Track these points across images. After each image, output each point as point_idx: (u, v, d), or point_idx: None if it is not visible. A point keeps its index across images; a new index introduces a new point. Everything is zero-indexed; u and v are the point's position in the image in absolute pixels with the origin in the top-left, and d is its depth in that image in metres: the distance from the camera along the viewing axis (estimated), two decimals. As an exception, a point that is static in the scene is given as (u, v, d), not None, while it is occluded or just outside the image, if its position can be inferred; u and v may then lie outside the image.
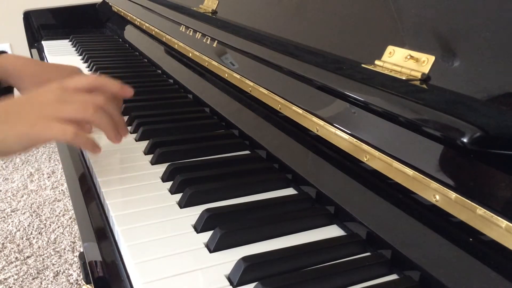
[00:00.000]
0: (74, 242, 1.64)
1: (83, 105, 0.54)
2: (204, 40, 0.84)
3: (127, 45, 1.32)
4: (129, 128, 0.75)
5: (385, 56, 0.50)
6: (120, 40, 1.39)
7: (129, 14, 1.30)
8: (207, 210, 0.50)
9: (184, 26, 0.94)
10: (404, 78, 0.46)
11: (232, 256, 0.45)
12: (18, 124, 0.52)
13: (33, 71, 0.68)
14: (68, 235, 1.68)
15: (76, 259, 1.55)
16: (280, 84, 0.63)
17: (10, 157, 0.69)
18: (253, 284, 0.41)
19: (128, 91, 0.63)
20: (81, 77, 0.68)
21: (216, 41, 0.81)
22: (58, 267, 1.51)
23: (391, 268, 0.44)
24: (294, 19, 0.68)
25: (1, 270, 1.50)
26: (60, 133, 0.52)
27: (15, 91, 0.74)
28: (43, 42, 1.39)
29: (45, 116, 0.52)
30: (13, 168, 2.14)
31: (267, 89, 0.64)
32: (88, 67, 1.12)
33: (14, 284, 1.44)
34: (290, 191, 0.57)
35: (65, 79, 0.58)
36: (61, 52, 1.28)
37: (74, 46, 1.33)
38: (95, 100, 0.55)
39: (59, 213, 1.81)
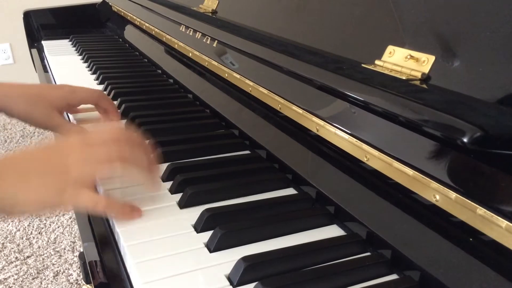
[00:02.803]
0: (74, 242, 1.64)
1: (107, 150, 0.50)
2: (204, 40, 0.84)
3: (127, 45, 1.32)
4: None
5: (385, 56, 0.50)
6: (120, 40, 1.39)
7: (129, 14, 1.30)
8: (207, 210, 0.50)
9: (184, 26, 0.94)
10: (404, 78, 0.46)
11: (232, 256, 0.45)
12: (41, 189, 0.47)
13: (27, 94, 0.67)
14: (68, 235, 1.68)
15: (76, 259, 1.55)
16: (280, 84, 0.63)
17: (18, 217, 0.64)
18: (253, 284, 0.41)
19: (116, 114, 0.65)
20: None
21: (216, 41, 0.81)
22: (58, 267, 1.51)
23: (391, 268, 0.44)
24: (294, 19, 0.68)
25: (1, 270, 1.50)
26: (91, 204, 0.49)
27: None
28: (43, 42, 1.39)
29: (74, 182, 0.48)
30: (13, 168, 2.14)
31: (267, 89, 0.64)
32: (88, 67, 1.12)
33: (14, 284, 1.44)
34: (290, 191, 0.57)
35: (86, 134, 0.55)
36: (61, 52, 1.28)
37: (74, 46, 1.33)
38: (117, 135, 0.52)
39: (59, 213, 1.81)
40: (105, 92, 0.74)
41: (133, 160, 0.52)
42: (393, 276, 0.43)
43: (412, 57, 0.47)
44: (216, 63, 0.79)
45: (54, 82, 1.07)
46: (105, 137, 0.52)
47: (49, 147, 0.53)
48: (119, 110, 0.80)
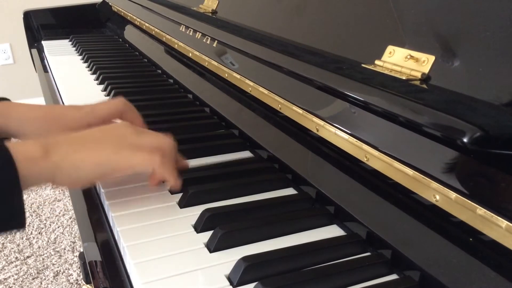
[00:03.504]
0: (74, 242, 1.64)
1: (149, 156, 0.52)
2: (204, 40, 0.84)
3: (127, 45, 1.32)
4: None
5: (385, 56, 0.50)
6: (120, 40, 1.39)
7: (129, 14, 1.30)
8: (207, 210, 0.50)
9: (184, 26, 0.94)
10: (404, 78, 0.46)
11: (232, 256, 0.45)
12: (98, 151, 0.49)
13: (38, 114, 0.62)
14: (68, 235, 1.68)
15: (76, 259, 1.56)
16: (280, 84, 0.63)
17: (80, 187, 0.61)
18: (253, 284, 0.41)
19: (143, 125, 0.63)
20: (101, 104, 0.64)
21: (216, 41, 0.81)
22: (58, 267, 1.51)
23: (391, 268, 0.44)
24: (294, 19, 0.68)
25: (1, 270, 1.50)
26: (147, 161, 0.51)
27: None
28: (43, 42, 1.39)
29: (129, 145, 0.51)
30: (13, 168, 2.14)
31: (267, 89, 0.64)
32: (88, 67, 1.12)
33: (14, 284, 1.44)
34: (290, 191, 0.57)
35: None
36: (61, 52, 1.28)
37: (74, 46, 1.33)
38: (166, 143, 0.54)
39: (59, 213, 1.81)
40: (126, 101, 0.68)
41: (169, 163, 0.53)
42: (393, 276, 0.43)
43: (412, 57, 0.47)
44: (216, 63, 0.79)
45: (54, 82, 1.07)
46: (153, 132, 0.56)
47: (99, 127, 0.54)
48: None
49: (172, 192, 0.57)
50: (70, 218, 1.77)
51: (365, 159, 0.47)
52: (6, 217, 0.44)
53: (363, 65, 0.51)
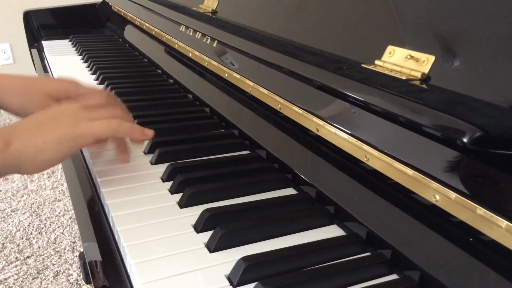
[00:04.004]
0: (74, 242, 1.64)
1: (107, 121, 0.54)
2: (204, 40, 0.84)
3: (127, 45, 1.32)
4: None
5: (385, 56, 0.50)
6: (120, 40, 1.39)
7: (129, 14, 1.30)
8: (207, 210, 0.50)
9: (184, 26, 0.94)
10: (404, 78, 0.46)
11: (232, 256, 0.45)
12: (57, 129, 0.50)
13: (24, 85, 0.63)
14: (68, 235, 1.68)
15: (76, 259, 1.56)
16: (280, 84, 0.63)
17: (45, 169, 0.63)
18: (253, 284, 0.41)
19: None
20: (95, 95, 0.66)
21: (216, 41, 0.81)
22: (58, 267, 1.51)
23: (391, 268, 0.44)
24: (294, 19, 0.68)
25: (1, 270, 1.50)
26: (106, 126, 0.52)
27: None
28: (43, 42, 1.39)
29: (85, 117, 0.52)
30: (13, 168, 2.14)
31: (267, 89, 0.64)
32: (88, 67, 1.12)
33: (14, 284, 1.44)
34: (290, 191, 0.57)
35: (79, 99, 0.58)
36: (61, 52, 1.28)
37: (74, 46, 1.33)
38: (114, 112, 0.57)
39: (59, 213, 1.81)
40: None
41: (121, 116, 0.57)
42: (393, 276, 0.43)
43: (412, 57, 0.47)
44: (216, 63, 0.79)
45: (54, 82, 1.07)
46: (97, 99, 0.58)
47: (50, 109, 0.55)
48: None
49: (136, 141, 0.60)
50: (70, 218, 1.77)
51: (365, 159, 0.47)
52: None
53: (363, 65, 0.51)
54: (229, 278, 0.42)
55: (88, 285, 0.84)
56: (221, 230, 0.46)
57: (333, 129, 0.51)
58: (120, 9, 1.38)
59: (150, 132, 0.56)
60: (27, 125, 0.51)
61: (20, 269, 1.50)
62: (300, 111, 0.57)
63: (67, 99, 0.64)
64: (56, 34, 1.47)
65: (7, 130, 0.49)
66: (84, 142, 0.52)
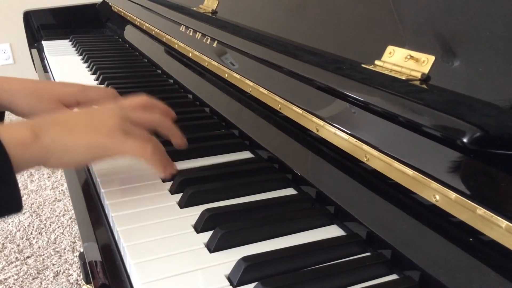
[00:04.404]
0: (74, 242, 1.64)
1: (141, 145, 0.52)
2: (204, 40, 0.84)
3: (127, 45, 1.32)
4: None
5: (385, 56, 0.50)
6: (120, 40, 1.39)
7: (129, 14, 1.30)
8: (207, 210, 0.50)
9: (184, 26, 0.94)
10: (404, 78, 0.46)
11: (232, 256, 0.45)
12: (90, 134, 0.49)
13: (32, 88, 0.63)
14: (68, 235, 1.68)
15: (76, 259, 1.56)
16: (280, 84, 0.63)
17: (68, 168, 0.63)
18: (253, 284, 0.41)
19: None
20: (90, 87, 0.67)
21: (216, 41, 0.81)
22: (58, 267, 1.51)
23: (391, 268, 0.44)
24: (294, 19, 0.68)
25: (1, 270, 1.50)
26: (138, 149, 0.51)
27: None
28: (43, 42, 1.39)
29: (121, 130, 0.51)
30: (13, 168, 2.14)
31: (267, 89, 0.64)
32: (88, 67, 1.12)
33: (14, 284, 1.44)
34: (290, 191, 0.57)
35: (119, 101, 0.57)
36: (61, 52, 1.28)
37: (74, 46, 1.33)
38: (155, 118, 0.57)
39: (59, 213, 1.81)
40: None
41: (163, 122, 0.57)
42: (393, 276, 0.43)
43: (412, 57, 0.47)
44: (216, 63, 0.79)
45: (54, 82, 1.07)
46: (137, 102, 0.57)
47: (90, 109, 0.54)
48: None
49: (164, 180, 0.58)
50: (70, 218, 1.77)
51: (365, 159, 0.47)
52: (2, 203, 0.44)
53: (363, 65, 0.51)
54: (229, 278, 0.42)
55: (88, 285, 0.84)
56: (221, 230, 0.46)
57: (333, 129, 0.51)
58: (120, 9, 1.38)
59: (174, 169, 0.54)
60: (60, 121, 0.50)
61: (20, 269, 1.50)
62: (300, 111, 0.57)
63: (77, 104, 0.65)
64: (56, 34, 1.47)
65: (37, 122, 0.48)
66: (113, 155, 0.51)
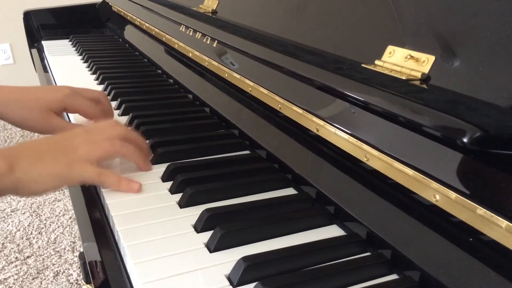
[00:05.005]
0: (74, 242, 1.64)
1: (111, 142, 0.58)
2: (204, 40, 0.84)
3: (127, 45, 1.32)
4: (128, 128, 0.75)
5: (385, 56, 0.50)
6: (120, 40, 1.39)
7: (129, 14, 1.30)
8: (207, 210, 0.50)
9: (184, 26, 0.94)
10: (404, 78, 0.46)
11: (232, 256, 0.45)
12: (53, 165, 0.53)
13: (24, 99, 0.68)
14: (68, 235, 1.68)
15: (76, 259, 1.56)
16: (280, 84, 0.63)
17: (37, 196, 0.72)
18: (253, 284, 0.41)
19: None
20: (82, 90, 0.72)
21: (216, 41, 0.81)
22: (58, 267, 1.51)
23: (391, 268, 0.44)
24: (294, 19, 0.68)
25: (1, 270, 1.50)
26: (94, 176, 0.55)
27: None
28: (43, 42, 1.39)
29: (80, 158, 0.55)
30: (13, 168, 2.14)
31: (267, 89, 0.64)
32: (88, 67, 1.12)
33: (14, 284, 1.44)
34: (290, 191, 0.57)
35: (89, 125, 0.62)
36: (61, 52, 1.28)
37: (74, 46, 1.33)
38: (119, 133, 0.60)
39: (59, 213, 1.81)
40: (105, 92, 0.74)
41: (129, 151, 0.60)
42: (393, 276, 0.43)
43: (412, 57, 0.47)
44: (216, 63, 0.79)
45: (54, 82, 1.07)
46: (105, 127, 0.61)
47: (57, 136, 0.59)
48: (119, 110, 0.81)
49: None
50: (70, 218, 1.77)
51: (365, 159, 0.47)
52: None
53: (363, 65, 0.51)
54: (229, 278, 0.42)
55: (88, 285, 0.84)
56: (221, 230, 0.46)
57: (333, 129, 0.51)
58: (120, 9, 1.38)
59: (135, 187, 0.57)
60: (28, 152, 0.54)
61: (20, 269, 1.50)
62: (300, 111, 0.57)
63: (66, 110, 0.71)
64: (56, 34, 1.47)
65: (12, 153, 0.53)
66: (75, 183, 0.56)
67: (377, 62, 0.50)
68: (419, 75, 0.46)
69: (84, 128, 0.61)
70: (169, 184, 0.58)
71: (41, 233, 1.69)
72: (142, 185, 0.57)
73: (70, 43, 1.38)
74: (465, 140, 0.37)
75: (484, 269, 0.36)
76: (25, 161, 0.53)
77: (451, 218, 0.38)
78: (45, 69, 1.20)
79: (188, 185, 0.55)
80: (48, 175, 0.53)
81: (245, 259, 0.42)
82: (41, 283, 1.45)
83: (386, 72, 0.48)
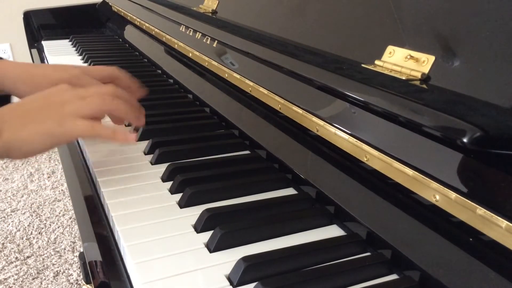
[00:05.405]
0: (74, 242, 1.64)
1: (101, 97, 0.56)
2: (204, 40, 0.84)
3: (127, 45, 1.32)
4: (128, 128, 0.75)
5: (385, 56, 0.50)
6: (120, 40, 1.39)
7: (129, 14, 1.30)
8: (207, 210, 0.50)
9: (184, 26, 0.94)
10: (404, 78, 0.46)
11: (232, 256, 0.45)
12: (42, 123, 0.52)
13: (31, 74, 0.67)
14: (68, 235, 1.68)
15: (76, 259, 1.56)
16: (280, 84, 0.63)
17: (31, 157, 0.71)
18: (253, 284, 0.41)
19: (140, 90, 0.67)
20: (92, 69, 0.70)
21: (216, 41, 0.81)
22: (58, 267, 1.51)
23: (391, 268, 0.44)
24: (294, 19, 0.68)
25: (1, 270, 1.50)
26: (88, 129, 0.53)
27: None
28: (43, 42, 1.39)
29: (70, 114, 0.53)
30: (13, 168, 2.14)
31: (267, 89, 0.64)
32: (88, 67, 1.12)
33: (14, 284, 1.44)
34: (290, 191, 0.57)
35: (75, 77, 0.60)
36: (61, 52, 1.28)
37: (74, 46, 1.33)
38: (109, 89, 0.58)
39: (59, 213, 1.81)
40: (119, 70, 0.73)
41: (120, 107, 0.58)
42: (393, 276, 0.43)
43: (412, 57, 0.47)
44: (216, 63, 0.79)
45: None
46: (94, 83, 0.60)
47: (43, 92, 0.57)
48: None
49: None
50: (70, 218, 1.77)
51: (365, 159, 0.47)
52: None
53: (363, 65, 0.51)
54: (229, 278, 0.42)
55: (88, 285, 0.84)
56: (221, 230, 0.46)
57: (333, 129, 0.51)
58: (120, 9, 1.38)
59: (131, 137, 0.56)
60: (16, 113, 0.53)
61: (20, 269, 1.50)
62: (300, 111, 0.57)
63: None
64: (56, 34, 1.47)
65: (0, 116, 0.52)
66: (68, 140, 0.55)
67: (377, 62, 0.50)
68: (419, 75, 0.46)
69: (69, 84, 0.58)
70: (169, 184, 0.58)
71: (41, 233, 1.69)
72: (141, 185, 0.57)
73: (70, 43, 1.38)
74: (465, 140, 0.37)
75: (484, 269, 0.36)
76: (13, 122, 0.51)
77: (451, 218, 0.38)
78: (45, 69, 1.20)
79: (188, 185, 0.55)
80: (38, 133, 0.52)
81: (245, 259, 0.42)
82: (41, 283, 1.45)
83: (386, 72, 0.48)
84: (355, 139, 0.48)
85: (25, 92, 0.67)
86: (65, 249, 1.60)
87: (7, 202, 1.88)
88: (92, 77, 0.68)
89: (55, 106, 0.54)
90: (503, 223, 0.34)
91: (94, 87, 0.58)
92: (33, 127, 0.52)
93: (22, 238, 1.66)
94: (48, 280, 1.46)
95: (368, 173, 0.48)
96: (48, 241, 1.64)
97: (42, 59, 1.28)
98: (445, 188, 0.38)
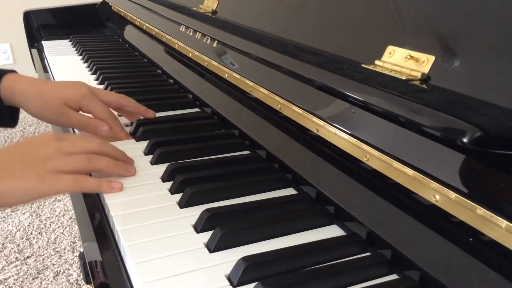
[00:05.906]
0: (74, 242, 1.64)
1: (86, 156, 0.55)
2: (204, 40, 0.84)
3: (127, 45, 1.32)
4: (128, 128, 0.75)
5: (385, 56, 0.50)
6: (120, 40, 1.39)
7: (129, 14, 1.30)
8: (207, 210, 0.50)
9: (184, 26, 0.94)
10: (404, 78, 0.46)
11: (232, 256, 0.45)
12: (24, 179, 0.51)
13: (41, 90, 0.68)
14: (68, 235, 1.68)
15: (76, 259, 1.56)
16: (280, 84, 0.63)
17: (10, 207, 0.70)
18: (253, 284, 0.41)
19: (149, 113, 0.70)
20: (101, 91, 0.72)
21: (216, 41, 0.81)
22: (58, 267, 1.51)
23: (391, 268, 0.44)
24: (294, 19, 0.68)
25: (1, 270, 1.50)
26: (71, 185, 0.52)
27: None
28: (43, 42, 1.39)
29: (53, 170, 0.52)
30: (13, 168, 2.14)
31: (267, 89, 0.64)
32: (88, 67, 1.12)
33: (14, 284, 1.44)
34: (290, 191, 0.57)
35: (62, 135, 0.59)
36: (61, 52, 1.28)
37: (74, 46, 1.33)
38: (95, 146, 0.57)
39: (59, 213, 1.81)
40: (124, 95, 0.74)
41: (107, 165, 0.57)
42: (393, 276, 0.43)
43: (412, 57, 0.47)
44: (216, 63, 0.79)
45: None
46: (80, 138, 0.60)
47: (24, 143, 0.57)
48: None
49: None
50: (70, 218, 1.77)
51: (365, 159, 0.47)
52: None
53: (363, 65, 0.51)
54: (229, 278, 0.42)
55: (88, 285, 0.84)
56: (221, 230, 0.46)
57: (333, 129, 0.51)
58: (120, 9, 1.38)
59: (117, 186, 0.56)
60: (1, 161, 0.52)
61: (20, 269, 1.50)
62: (300, 111, 0.57)
63: (79, 109, 0.69)
64: (56, 34, 1.47)
65: None
66: (51, 195, 0.54)
67: (377, 62, 0.50)
68: (419, 75, 0.46)
69: (55, 135, 0.58)
70: (169, 184, 0.58)
71: (41, 233, 1.69)
72: (141, 185, 0.57)
73: (70, 43, 1.38)
74: (465, 140, 0.37)
75: (484, 269, 0.36)
76: None
77: (451, 218, 0.38)
78: (45, 69, 1.20)
79: (188, 185, 0.55)
80: (17, 188, 0.50)
81: (245, 259, 0.42)
82: (41, 283, 1.45)
83: (386, 72, 0.48)
84: (355, 139, 0.48)
85: (35, 107, 0.68)
86: (65, 249, 1.60)
87: (7, 202, 1.88)
88: (100, 99, 0.69)
89: (38, 160, 0.52)
90: (503, 223, 0.34)
91: (80, 141, 0.58)
92: (13, 182, 0.50)
93: (22, 238, 1.66)
94: (48, 280, 1.46)
95: (368, 173, 0.48)
96: (48, 241, 1.64)
97: (42, 59, 1.28)
98: (445, 188, 0.38)
